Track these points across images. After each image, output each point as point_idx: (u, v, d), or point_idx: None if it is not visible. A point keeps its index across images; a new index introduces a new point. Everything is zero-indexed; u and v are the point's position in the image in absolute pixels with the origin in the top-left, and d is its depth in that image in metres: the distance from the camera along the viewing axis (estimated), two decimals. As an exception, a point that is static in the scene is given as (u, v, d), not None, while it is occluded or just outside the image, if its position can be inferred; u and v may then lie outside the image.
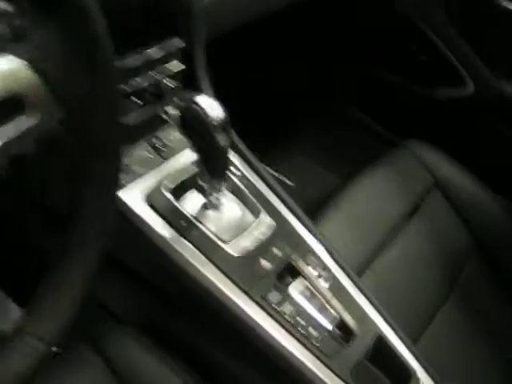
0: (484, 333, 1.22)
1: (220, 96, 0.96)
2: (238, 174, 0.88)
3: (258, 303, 0.77)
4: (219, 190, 0.80)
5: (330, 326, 0.81)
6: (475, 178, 1.36)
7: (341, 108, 1.69)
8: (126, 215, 0.77)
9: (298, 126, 1.68)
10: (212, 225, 0.81)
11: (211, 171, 0.77)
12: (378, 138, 1.58)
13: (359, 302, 0.87)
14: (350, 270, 0.89)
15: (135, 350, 0.86)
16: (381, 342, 0.85)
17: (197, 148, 0.76)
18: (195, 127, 0.72)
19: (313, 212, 1.15)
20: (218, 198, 0.81)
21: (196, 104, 0.71)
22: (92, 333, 0.89)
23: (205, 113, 0.71)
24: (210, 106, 0.71)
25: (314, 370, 0.77)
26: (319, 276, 0.84)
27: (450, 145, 1.39)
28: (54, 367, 0.83)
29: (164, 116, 0.89)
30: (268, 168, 1.55)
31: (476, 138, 1.52)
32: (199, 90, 0.89)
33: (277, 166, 1.55)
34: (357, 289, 0.88)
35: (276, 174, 1.54)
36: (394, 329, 0.87)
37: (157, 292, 0.86)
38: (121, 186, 0.78)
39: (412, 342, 0.91)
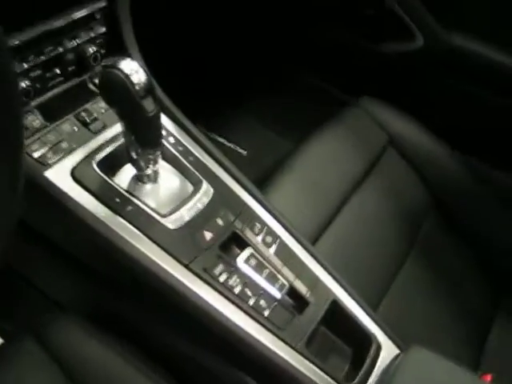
0: (446, 289, 1.20)
1: (157, 60, 0.91)
2: (173, 141, 0.82)
3: (200, 277, 0.72)
4: (154, 161, 0.75)
5: (279, 295, 0.77)
6: (431, 133, 1.33)
7: (290, 70, 1.63)
8: (54, 196, 0.71)
9: (246, 92, 1.61)
10: (148, 199, 0.76)
11: (142, 141, 0.72)
12: (330, 98, 1.53)
13: (312, 268, 0.83)
14: (300, 236, 0.85)
15: (80, 339, 0.81)
16: (336, 308, 0.81)
17: (123, 117, 0.70)
18: (117, 94, 0.67)
19: (265, 180, 1.11)
20: (153, 170, 0.76)
21: (116, 68, 0.66)
22: (35, 323, 0.83)
23: (125, 77, 0.65)
24: (132, 70, 0.66)
25: (266, 342, 0.73)
26: (267, 244, 0.80)
27: (402, 101, 1.35)
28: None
29: (92, 87, 0.84)
30: (219, 138, 1.52)
31: (427, 92, 1.48)
32: (126, 55, 0.83)
33: (228, 135, 1.51)
34: (309, 255, 0.84)
35: (228, 144, 1.49)
36: (350, 293, 0.84)
37: (98, 276, 0.81)
38: (47, 166, 0.73)
39: (373, 306, 0.89)
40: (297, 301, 0.79)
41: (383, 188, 1.22)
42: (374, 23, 1.39)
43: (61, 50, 0.77)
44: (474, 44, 1.32)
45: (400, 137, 1.29)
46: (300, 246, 0.84)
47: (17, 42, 0.71)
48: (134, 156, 0.73)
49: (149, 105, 0.67)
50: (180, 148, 0.82)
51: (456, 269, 1.25)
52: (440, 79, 1.41)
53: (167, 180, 0.79)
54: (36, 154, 0.73)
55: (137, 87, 0.65)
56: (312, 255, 0.85)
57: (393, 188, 1.24)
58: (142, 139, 0.71)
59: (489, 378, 0.92)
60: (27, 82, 0.73)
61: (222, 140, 1.48)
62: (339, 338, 0.83)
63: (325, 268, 0.84)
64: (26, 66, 0.73)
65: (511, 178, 1.36)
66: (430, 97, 1.47)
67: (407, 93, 1.44)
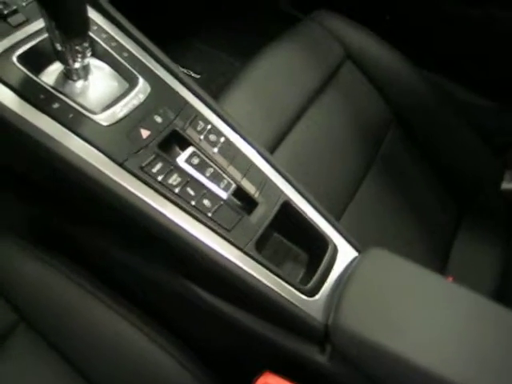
0: (410, 204, 1.17)
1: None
2: (105, 36, 0.75)
3: (136, 175, 0.67)
4: (83, 55, 0.68)
5: (225, 196, 0.72)
6: (389, 46, 1.27)
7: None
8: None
9: (196, 18, 1.53)
10: (78, 96, 0.69)
11: (65, 28, 0.65)
12: (284, 16, 1.46)
13: (261, 167, 0.78)
14: (246, 134, 0.79)
15: (11, 257, 0.76)
16: (288, 210, 0.77)
17: (42, 1, 0.63)
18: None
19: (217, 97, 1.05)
20: (82, 65, 0.69)
21: None
22: None
23: None
24: None
25: (211, 243, 0.68)
26: (211, 143, 0.74)
27: (358, 13, 1.29)
28: None
29: None
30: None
31: (383, 4, 1.42)
32: None
33: (180, 61, 1.44)
34: (257, 153, 0.79)
35: (181, 69, 1.42)
36: (303, 195, 0.79)
37: (32, 187, 0.75)
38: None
39: (335, 218, 0.84)
40: (244, 201, 0.74)
41: (341, 101, 1.17)
42: None
43: None
44: None
45: (358, 50, 1.24)
46: (248, 145, 0.79)
47: None
48: (59, 47, 0.67)
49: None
50: (113, 44, 0.75)
51: (419, 184, 1.22)
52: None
53: (99, 77, 0.72)
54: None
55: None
56: (261, 154, 0.79)
57: (352, 101, 1.19)
58: (65, 26, 0.64)
59: (450, 279, 0.89)
60: None
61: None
62: (294, 244, 0.79)
63: (275, 168, 0.79)
64: None
65: (470, 91, 1.33)
66: (385, 9, 1.41)
67: (362, 5, 1.38)
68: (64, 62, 0.69)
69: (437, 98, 1.28)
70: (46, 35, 0.71)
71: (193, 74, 1.40)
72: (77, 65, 0.69)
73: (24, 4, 0.73)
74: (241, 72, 1.09)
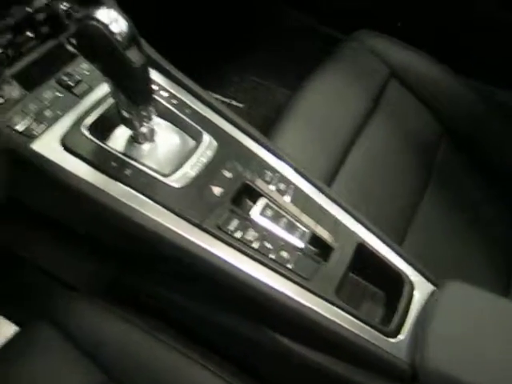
0: (468, 218, 1.14)
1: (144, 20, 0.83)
2: (166, 95, 0.76)
3: (214, 235, 0.67)
4: (148, 118, 0.69)
5: (302, 245, 0.72)
6: (432, 60, 1.26)
7: (281, 11, 1.53)
8: (46, 169, 0.66)
9: (234, 44, 1.53)
10: (147, 159, 0.70)
11: (131, 97, 0.65)
12: (327, 39, 1.45)
13: (332, 211, 0.77)
14: (315, 179, 0.79)
15: (97, 318, 0.76)
16: (363, 250, 0.76)
17: (108, 73, 0.64)
18: (98, 47, 0.60)
19: (268, 128, 1.04)
20: (149, 128, 0.70)
21: (92, 19, 0.59)
22: (48, 308, 0.79)
23: (104, 27, 0.59)
24: (110, 18, 0.59)
25: (293, 295, 0.68)
26: (282, 192, 0.74)
27: (401, 33, 1.28)
28: (12, 350, 0.74)
29: (70, 48, 0.77)
30: (214, 94, 1.45)
31: (426, 19, 1.40)
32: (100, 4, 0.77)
33: (222, 90, 1.44)
34: (327, 198, 0.78)
35: (223, 99, 1.43)
36: (375, 233, 0.78)
37: (105, 250, 0.76)
38: (33, 138, 0.67)
39: (398, 243, 0.83)
40: (321, 248, 0.73)
41: (391, 121, 1.16)
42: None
43: (29, 10, 0.70)
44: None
45: (402, 67, 1.22)
46: (316, 190, 0.78)
47: (-20, 6, 0.65)
48: (126, 115, 0.68)
49: (134, 55, 0.61)
50: (174, 101, 0.76)
51: (475, 198, 1.20)
52: (435, 3, 1.33)
53: (165, 137, 0.73)
54: (20, 127, 0.67)
55: (118, 37, 0.59)
56: (329, 197, 0.79)
57: (401, 120, 1.18)
58: (132, 95, 0.65)
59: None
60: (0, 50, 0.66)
61: (217, 96, 1.41)
62: (369, 282, 0.78)
63: (345, 209, 0.78)
64: (-5, 31, 0.67)
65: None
66: (425, 20, 1.39)
67: (401, 20, 1.37)
68: (131, 127, 0.69)
69: (486, 107, 1.26)
70: (109, 102, 0.72)
71: (235, 103, 1.40)
72: (144, 129, 0.69)
73: (86, 72, 0.74)
74: (290, 103, 1.09)
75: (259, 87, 1.43)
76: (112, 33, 0.59)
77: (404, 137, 1.16)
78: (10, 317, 0.98)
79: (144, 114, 0.67)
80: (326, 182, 1.00)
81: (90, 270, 0.82)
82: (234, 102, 1.40)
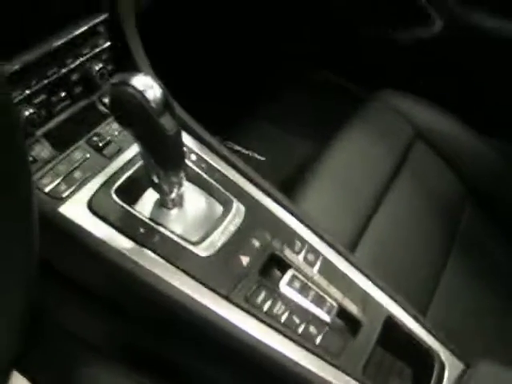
0: (494, 284, 1.12)
1: (168, 73, 0.83)
2: (195, 158, 0.75)
3: (242, 308, 0.65)
4: (179, 184, 0.68)
5: (329, 319, 0.69)
6: (456, 119, 1.25)
7: (306, 70, 1.54)
8: (72, 233, 0.64)
9: (258, 97, 1.53)
10: (175, 225, 0.68)
11: (163, 164, 0.64)
12: (346, 94, 1.46)
13: (359, 282, 0.75)
14: (342, 249, 0.77)
15: (115, 380, 0.74)
16: (391, 324, 0.73)
17: (140, 139, 0.63)
18: (132, 114, 0.59)
19: (290, 188, 1.03)
20: (178, 194, 0.68)
21: (127, 85, 0.58)
22: (69, 369, 0.76)
23: (139, 94, 0.58)
24: (145, 85, 0.58)
25: (321, 373, 0.65)
26: (310, 263, 0.72)
27: (424, 90, 1.27)
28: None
29: (101, 108, 0.77)
30: (236, 146, 1.45)
31: (449, 78, 1.40)
32: (135, 70, 0.76)
33: (244, 143, 1.44)
34: (354, 268, 0.76)
35: (245, 152, 1.42)
36: (402, 305, 0.76)
37: (128, 315, 0.74)
38: (61, 200, 0.66)
39: (422, 311, 0.81)
40: (348, 322, 0.71)
41: (416, 183, 1.14)
42: (389, 9, 1.32)
43: (64, 70, 0.70)
44: (497, 21, 1.24)
45: (427, 127, 1.22)
46: (343, 259, 0.76)
47: (16, 67, 0.64)
48: (156, 180, 0.66)
49: (168, 123, 0.60)
50: (203, 165, 0.75)
51: (501, 260, 1.17)
52: (461, 62, 1.33)
53: (194, 203, 0.71)
54: (48, 188, 0.66)
55: (153, 104, 0.58)
56: (356, 267, 0.77)
57: (426, 182, 1.16)
58: (164, 161, 0.64)
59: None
60: (31, 110, 0.66)
61: (239, 148, 1.41)
62: (397, 357, 0.75)
63: (372, 280, 0.76)
64: (28, 91, 0.66)
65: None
66: (450, 82, 1.39)
67: (428, 81, 1.36)
68: (160, 192, 0.68)
69: (509, 166, 1.24)
70: (138, 164, 0.71)
71: (258, 157, 1.39)
72: (173, 195, 0.68)
73: (116, 133, 0.74)
74: (313, 163, 1.08)
75: (280, 141, 1.42)
76: (147, 100, 0.58)
77: (428, 199, 1.14)
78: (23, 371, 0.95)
79: (174, 180, 0.66)
80: (351, 245, 0.98)
81: (107, 330, 0.79)
82: (256, 155, 1.40)
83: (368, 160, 1.12)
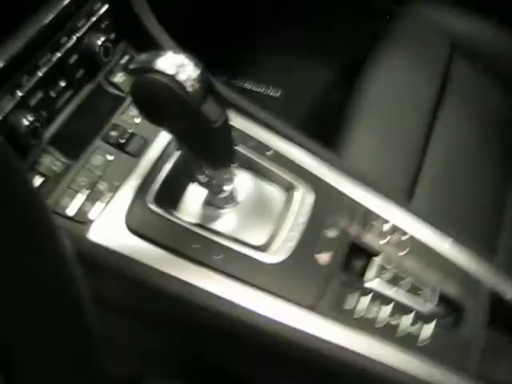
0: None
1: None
2: (243, 139, 0.60)
3: (334, 317, 0.53)
4: (230, 181, 0.54)
5: (430, 310, 0.57)
6: (498, 27, 1.09)
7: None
8: (108, 262, 0.52)
9: (272, 20, 1.32)
10: (233, 229, 0.56)
11: (211, 160, 0.51)
12: (377, 11, 1.26)
13: (457, 260, 0.62)
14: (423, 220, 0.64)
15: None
16: (497, 302, 0.62)
17: (180, 136, 0.49)
18: (164, 108, 0.45)
19: (329, 135, 0.89)
20: (230, 190, 0.55)
21: (152, 70, 0.44)
22: None
23: (169, 79, 0.43)
24: (175, 66, 0.44)
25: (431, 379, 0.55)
26: (395, 245, 0.60)
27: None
28: None
29: (111, 90, 0.61)
30: (247, 83, 1.28)
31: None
32: (147, 38, 0.61)
33: (255, 78, 1.27)
34: (444, 244, 0.63)
35: (256, 89, 1.26)
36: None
37: (200, 344, 0.62)
38: (89, 224, 0.52)
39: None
40: (451, 310, 0.59)
41: (464, 104, 1.00)
42: None
43: (59, 54, 0.54)
44: None
45: (466, 40, 1.06)
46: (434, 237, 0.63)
47: (0, 64, 0.49)
48: (203, 179, 0.53)
49: (212, 111, 0.46)
50: (251, 143, 0.60)
51: None
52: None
53: (249, 194, 0.58)
54: (70, 211, 0.52)
55: (190, 90, 0.44)
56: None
57: (473, 100, 1.02)
58: (211, 158, 0.50)
59: None
60: (29, 116, 0.51)
61: (249, 86, 1.24)
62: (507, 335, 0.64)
63: (471, 255, 0.63)
64: (20, 93, 0.51)
65: None
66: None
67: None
68: (209, 191, 0.55)
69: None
70: (173, 157, 0.57)
71: (271, 93, 1.23)
72: (225, 193, 0.55)
73: (136, 120, 0.59)
74: (351, 103, 0.93)
75: (296, 72, 1.24)
76: (181, 87, 0.44)
77: (479, 119, 1.00)
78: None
79: (226, 176, 0.53)
80: (408, 192, 0.85)
81: (183, 356, 0.68)
82: (269, 91, 1.23)
83: (407, 89, 0.97)
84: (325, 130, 0.83)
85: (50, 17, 0.53)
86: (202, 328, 0.55)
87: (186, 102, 0.44)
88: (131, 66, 0.48)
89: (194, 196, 0.57)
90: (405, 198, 0.83)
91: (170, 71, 0.44)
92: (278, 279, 0.53)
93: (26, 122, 0.50)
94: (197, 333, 0.57)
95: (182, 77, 0.44)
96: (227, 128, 0.49)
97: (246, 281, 0.52)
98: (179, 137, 0.49)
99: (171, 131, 0.49)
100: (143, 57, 0.45)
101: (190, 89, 0.44)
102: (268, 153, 0.60)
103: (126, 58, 0.61)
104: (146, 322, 0.57)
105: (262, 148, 0.60)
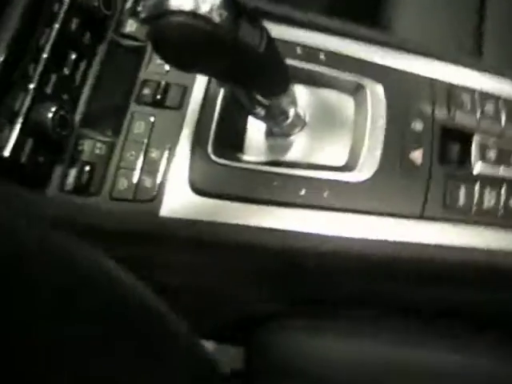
0: None
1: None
2: (291, 50, 0.52)
3: (447, 219, 0.47)
4: (292, 102, 0.47)
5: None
6: None
7: None
8: (193, 235, 0.47)
9: None
10: (311, 156, 0.49)
11: (265, 92, 0.44)
12: None
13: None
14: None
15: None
16: None
17: (222, 76, 0.42)
18: (196, 51, 0.38)
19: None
20: (296, 113, 0.48)
21: (168, 13, 0.36)
22: None
23: (190, 18, 0.36)
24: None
25: None
26: (491, 118, 0.51)
27: None
28: None
29: (127, 43, 0.53)
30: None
31: None
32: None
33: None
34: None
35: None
36: None
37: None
38: (156, 201, 0.47)
39: None
40: None
41: None
42: None
43: (57, 25, 0.47)
44: None
45: None
46: None
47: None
48: (261, 112, 0.46)
49: (250, 35, 0.39)
50: (300, 52, 0.52)
51: None
52: None
53: (314, 110, 0.51)
54: (129, 193, 0.47)
55: (218, 21, 0.36)
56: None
57: None
58: (266, 87, 0.43)
59: None
60: (51, 107, 0.44)
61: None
62: None
63: None
64: (32, 85, 0.44)
65: None
66: None
67: None
68: (272, 123, 0.48)
69: None
70: (220, 96, 0.50)
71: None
72: (289, 119, 0.48)
73: (167, 68, 0.51)
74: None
75: None
76: (207, 19, 0.36)
77: None
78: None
79: (287, 99, 0.46)
80: (475, 54, 0.75)
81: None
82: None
83: None
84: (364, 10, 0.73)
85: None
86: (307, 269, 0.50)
87: (218, 36, 0.37)
88: (142, 15, 0.40)
89: (254, 132, 0.50)
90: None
91: (188, 6, 0.36)
92: (374, 196, 0.47)
93: (49, 115, 0.44)
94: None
95: (204, 8, 0.36)
96: (273, 47, 0.41)
97: (341, 208, 0.47)
98: (222, 77, 0.42)
99: (212, 74, 0.42)
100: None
101: (217, 19, 0.37)
102: (321, 57, 0.52)
103: (131, 0, 0.53)
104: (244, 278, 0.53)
105: (312, 54, 0.51)
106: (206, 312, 0.60)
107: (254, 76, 0.41)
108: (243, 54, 0.39)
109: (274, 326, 0.59)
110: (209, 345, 0.81)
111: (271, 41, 0.40)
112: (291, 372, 0.59)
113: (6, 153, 0.43)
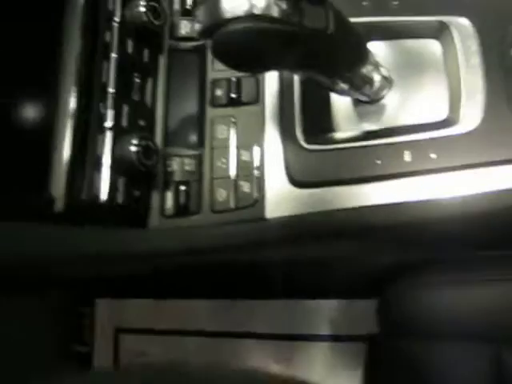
0: None
1: None
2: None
3: None
4: (376, 66, 0.43)
5: None
6: None
7: None
8: (304, 228, 0.45)
9: None
10: (408, 116, 0.46)
11: (347, 65, 0.40)
12: None
13: None
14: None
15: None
16: None
17: (296, 66, 0.39)
18: (264, 53, 0.35)
19: None
20: (382, 76, 0.45)
21: (227, 22, 0.33)
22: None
23: (254, 19, 0.33)
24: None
25: None
26: None
27: None
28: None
29: (181, 45, 0.50)
30: None
31: None
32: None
33: None
34: None
35: None
36: None
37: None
38: (258, 203, 0.45)
39: None
40: None
41: None
42: None
43: (114, 55, 0.45)
44: None
45: None
46: None
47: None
48: (345, 87, 0.42)
49: (315, 18, 0.35)
50: (366, 2, 0.47)
51: None
52: None
53: (399, 65, 0.46)
54: (232, 202, 0.45)
55: (279, 15, 0.33)
56: None
57: None
58: (345, 63, 0.40)
59: None
60: (133, 140, 0.43)
61: None
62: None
63: None
64: (108, 123, 0.43)
65: None
66: None
67: None
68: (360, 95, 0.45)
69: None
70: (296, 82, 0.47)
71: None
72: (376, 82, 0.44)
73: (220, 66, 0.48)
74: None
75: None
76: (267, 18, 0.33)
77: None
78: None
79: (370, 66, 0.42)
80: None
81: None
82: None
83: None
84: None
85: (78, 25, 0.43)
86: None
87: (283, 31, 0.34)
88: (199, 30, 0.37)
89: (341, 107, 0.47)
90: None
91: (242, 8, 0.33)
92: (486, 145, 0.43)
93: (133, 149, 0.43)
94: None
95: (260, 5, 0.33)
96: (342, 22, 0.37)
97: (454, 166, 0.43)
98: (295, 68, 0.39)
99: (283, 68, 0.39)
100: (203, 10, 0.35)
101: (277, 14, 0.33)
102: (393, 3, 0.47)
103: (177, 1, 0.50)
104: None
105: (381, 3, 0.47)
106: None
107: (328, 58, 0.38)
108: (314, 42, 0.35)
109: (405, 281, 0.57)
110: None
111: (339, 16, 0.36)
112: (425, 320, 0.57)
113: (104, 196, 0.43)
